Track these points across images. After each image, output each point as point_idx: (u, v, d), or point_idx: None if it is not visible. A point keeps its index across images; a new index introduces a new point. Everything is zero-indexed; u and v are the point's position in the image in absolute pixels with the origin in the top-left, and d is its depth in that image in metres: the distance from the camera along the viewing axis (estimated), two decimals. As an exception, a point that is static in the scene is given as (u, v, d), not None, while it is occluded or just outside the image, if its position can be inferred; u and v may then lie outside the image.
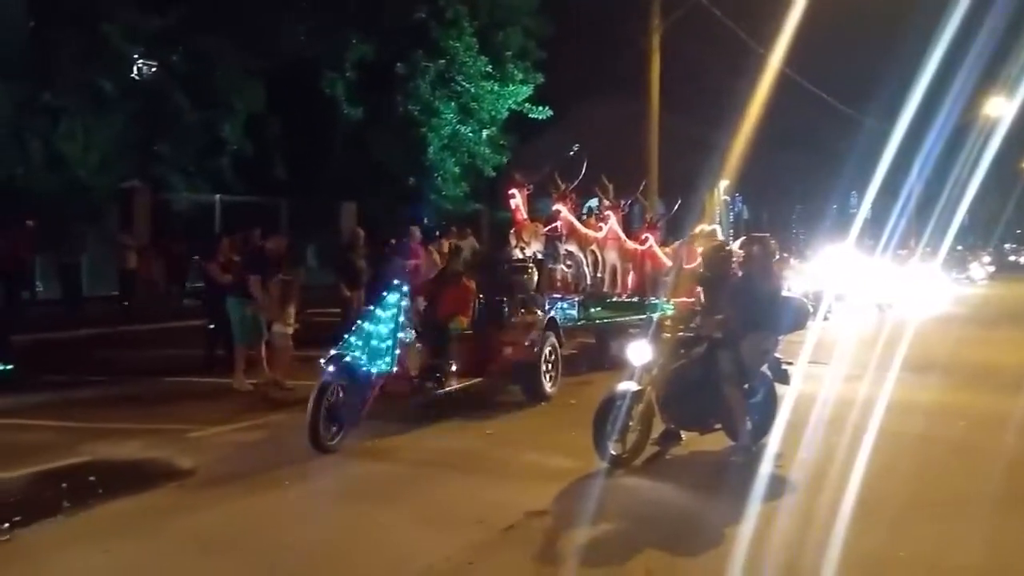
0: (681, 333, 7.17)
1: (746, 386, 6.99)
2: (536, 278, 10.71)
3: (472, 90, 21.66)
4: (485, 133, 22.35)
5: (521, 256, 11.32)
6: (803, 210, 37.93)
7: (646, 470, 6.80)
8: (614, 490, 6.32)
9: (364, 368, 7.49)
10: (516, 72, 21.99)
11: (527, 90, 22.03)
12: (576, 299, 11.38)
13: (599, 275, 12.33)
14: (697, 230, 14.95)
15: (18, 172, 15.30)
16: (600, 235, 12.48)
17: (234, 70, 17.93)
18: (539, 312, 9.94)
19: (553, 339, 9.81)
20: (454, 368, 8.66)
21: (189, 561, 5.13)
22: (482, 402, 9.33)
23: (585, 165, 11.91)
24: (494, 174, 22.70)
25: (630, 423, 6.70)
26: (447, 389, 8.51)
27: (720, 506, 6.00)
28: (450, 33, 20.94)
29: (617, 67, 23.76)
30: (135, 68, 17.94)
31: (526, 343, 9.36)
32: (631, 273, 13.11)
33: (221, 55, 17.64)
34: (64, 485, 6.24)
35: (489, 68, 21.54)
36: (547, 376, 9.62)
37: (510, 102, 22.14)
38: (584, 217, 12.87)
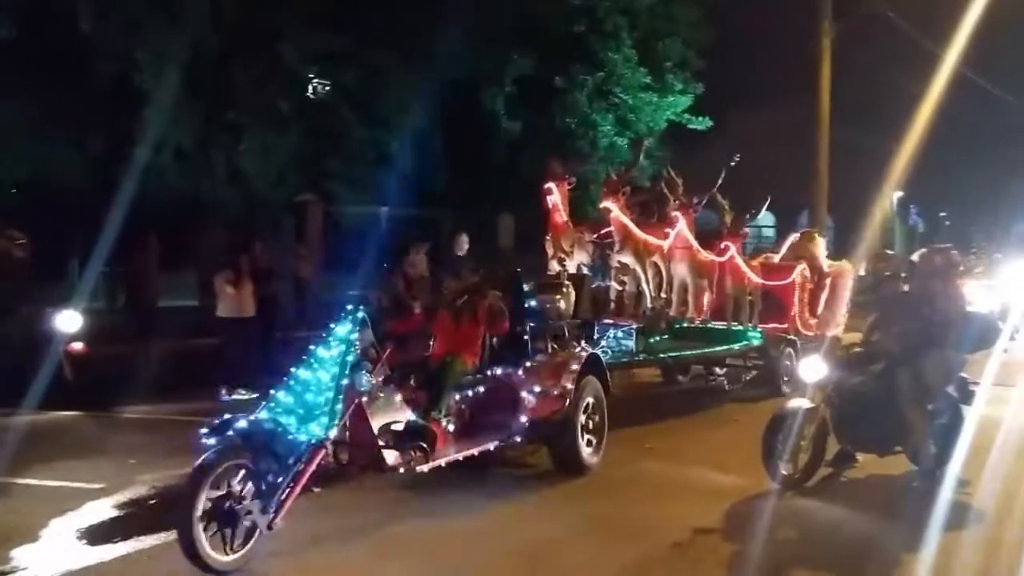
0: (857, 348, 6.83)
1: (930, 407, 6.60)
2: (573, 299, 8.54)
3: (630, 102, 21.56)
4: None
5: (561, 269, 9.27)
6: (987, 222, 35.57)
7: (819, 492, 6.53)
8: (785, 511, 6.11)
9: (288, 435, 5.04)
10: (675, 83, 21.72)
11: (687, 100, 21.71)
12: (633, 326, 9.25)
13: (663, 294, 10.06)
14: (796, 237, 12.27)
15: (205, 185, 16.36)
16: (665, 243, 9.95)
17: (400, 87, 18.56)
18: (577, 347, 7.46)
19: (596, 385, 7.10)
20: (451, 428, 6.26)
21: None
22: (634, 414, 9.06)
23: (642, 155, 10.48)
24: (648, 185, 22.47)
25: (802, 442, 6.45)
26: (437, 461, 5.88)
27: (899, 533, 5.70)
28: (609, 45, 20.93)
29: (781, 74, 23.07)
30: (310, 87, 18.89)
31: (555, 392, 6.71)
32: (707, 291, 10.54)
33: (388, 73, 18.30)
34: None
35: (648, 79, 21.38)
36: (586, 437, 6.94)
37: (668, 113, 21.89)
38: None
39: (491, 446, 6.42)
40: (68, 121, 13.84)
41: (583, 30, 20.79)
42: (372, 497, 6.20)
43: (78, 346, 9.43)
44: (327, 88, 19.02)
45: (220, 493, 4.81)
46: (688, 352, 10.06)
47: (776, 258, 11.92)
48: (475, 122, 21.27)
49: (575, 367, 6.88)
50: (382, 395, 5.62)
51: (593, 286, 9.78)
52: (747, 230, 12.60)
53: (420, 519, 5.90)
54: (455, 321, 6.75)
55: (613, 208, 9.45)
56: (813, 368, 6.60)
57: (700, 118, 22.02)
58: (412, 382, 6.24)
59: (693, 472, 7.18)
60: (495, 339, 6.80)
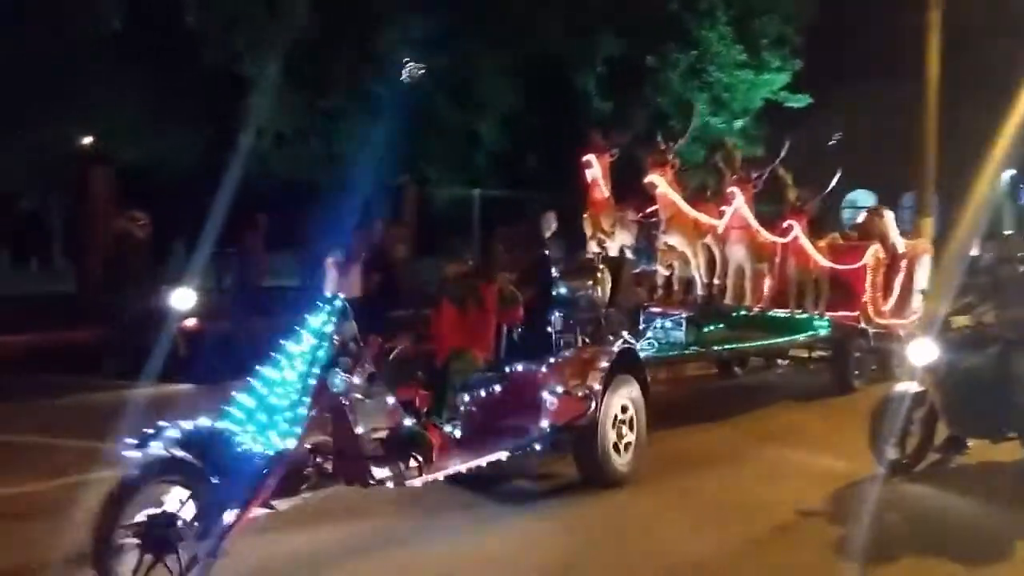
0: (970, 331, 6.64)
1: (1047, 393, 6.37)
2: (609, 285, 7.70)
3: (725, 80, 21.16)
4: (737, 124, 21.77)
5: (600, 251, 8.52)
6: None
7: (928, 477, 6.42)
8: (893, 496, 6.03)
9: (238, 445, 4.30)
10: (772, 60, 21.22)
11: (784, 78, 21.19)
12: (683, 315, 8.50)
13: (716, 280, 9.20)
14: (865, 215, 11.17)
15: (304, 170, 16.80)
16: (719, 222, 9.03)
17: (492, 70, 18.66)
18: (610, 340, 6.35)
19: (631, 383, 6.24)
20: (457, 435, 5.37)
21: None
22: (738, 398, 8.92)
23: (693, 121, 9.03)
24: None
25: (910, 427, 6.33)
26: (434, 474, 5.04)
27: (1011, 521, 5.60)
28: (703, 23, 20.59)
29: (886, 48, 22.33)
30: (403, 72, 19.15)
31: (579, 393, 5.85)
32: (767, 276, 9.58)
33: (481, 56, 18.42)
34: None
35: (743, 57, 20.96)
36: (617, 444, 6.07)
37: (765, 91, 21.41)
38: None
39: (503, 455, 5.50)
40: (178, 110, 14.39)
41: (676, 8, 20.50)
42: (350, 518, 5.25)
43: (192, 323, 9.84)
44: (421, 72, 19.27)
45: (151, 514, 4.02)
46: (745, 344, 9.10)
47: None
48: (566, 103, 21.22)
49: (604, 363, 6.00)
50: (368, 396, 4.78)
51: (637, 270, 8.99)
52: (845, 211, 11.95)
53: (407, 544, 5.03)
54: (461, 310, 5.89)
55: (659, 182, 8.59)
56: (922, 351, 6.44)
57: (799, 96, 21.48)
58: (416, 381, 5.50)
59: (796, 454, 7.12)
60: (515, 332, 6.01)
